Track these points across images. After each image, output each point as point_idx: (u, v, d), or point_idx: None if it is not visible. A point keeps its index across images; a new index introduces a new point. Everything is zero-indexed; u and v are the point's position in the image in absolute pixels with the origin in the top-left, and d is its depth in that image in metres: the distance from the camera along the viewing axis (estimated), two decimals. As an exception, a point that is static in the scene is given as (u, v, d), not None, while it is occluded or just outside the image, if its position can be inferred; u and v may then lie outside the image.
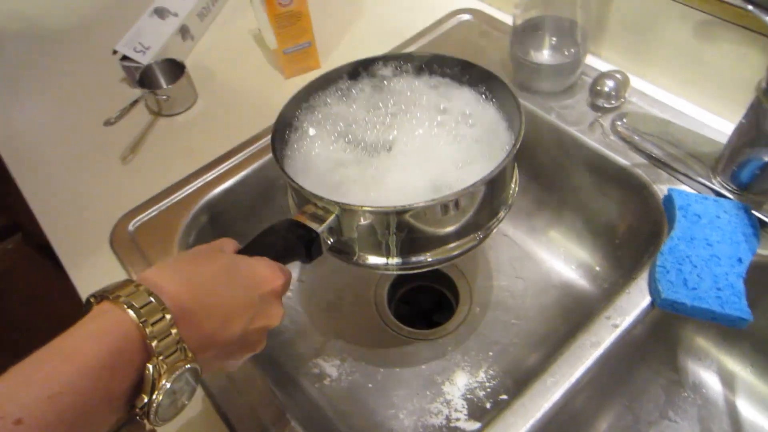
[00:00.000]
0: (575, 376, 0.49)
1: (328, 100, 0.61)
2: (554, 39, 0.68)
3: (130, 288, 0.35)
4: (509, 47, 0.70)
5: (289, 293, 0.75)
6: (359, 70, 0.62)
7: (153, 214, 0.67)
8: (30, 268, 1.06)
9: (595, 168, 0.66)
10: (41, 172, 0.75)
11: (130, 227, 0.66)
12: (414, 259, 0.52)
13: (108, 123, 0.71)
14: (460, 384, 0.66)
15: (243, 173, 0.69)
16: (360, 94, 0.61)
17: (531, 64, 0.68)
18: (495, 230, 0.55)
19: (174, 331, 0.35)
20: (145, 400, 0.35)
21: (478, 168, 0.52)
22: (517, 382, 0.64)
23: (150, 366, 0.34)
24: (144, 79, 0.79)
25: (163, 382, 0.34)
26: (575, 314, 0.69)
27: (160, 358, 0.34)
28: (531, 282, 0.73)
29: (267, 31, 0.81)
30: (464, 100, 0.59)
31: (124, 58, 0.81)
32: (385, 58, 0.62)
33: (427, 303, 0.78)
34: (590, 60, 0.73)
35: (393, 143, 0.56)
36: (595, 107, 0.67)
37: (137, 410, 0.35)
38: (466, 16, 0.82)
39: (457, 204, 0.49)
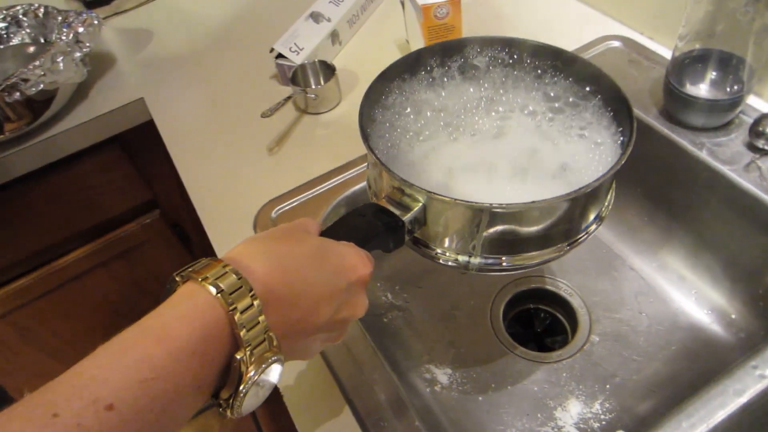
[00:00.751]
0: (714, 422, 0.47)
1: (421, 81, 0.58)
2: (715, 74, 0.65)
3: (217, 269, 0.33)
4: (663, 77, 0.69)
5: (406, 298, 0.77)
6: (455, 52, 0.59)
7: (294, 204, 0.71)
8: (162, 244, 1.14)
9: (745, 211, 0.63)
10: (196, 155, 0.82)
11: (273, 214, 0.70)
12: (495, 261, 0.49)
13: (264, 115, 0.76)
14: (574, 412, 0.65)
15: (382, 175, 0.72)
16: (452, 81, 0.59)
17: (686, 96, 0.66)
18: (582, 244, 0.51)
19: (262, 318, 0.33)
20: (231, 392, 0.33)
21: (581, 172, 0.50)
22: (636, 420, 0.62)
23: (238, 357, 0.32)
24: (295, 77, 0.84)
25: (251, 374, 0.33)
26: (704, 360, 0.66)
27: (248, 348, 0.33)
28: (656, 320, 0.71)
29: (415, 40, 0.84)
30: (570, 97, 0.56)
31: (279, 56, 0.86)
32: (482, 42, 0.59)
33: (540, 325, 0.77)
34: (750, 99, 0.70)
35: (488, 132, 0.54)
36: (753, 148, 0.64)
37: (221, 401, 0.34)
38: (615, 43, 0.81)
39: (555, 209, 0.46)
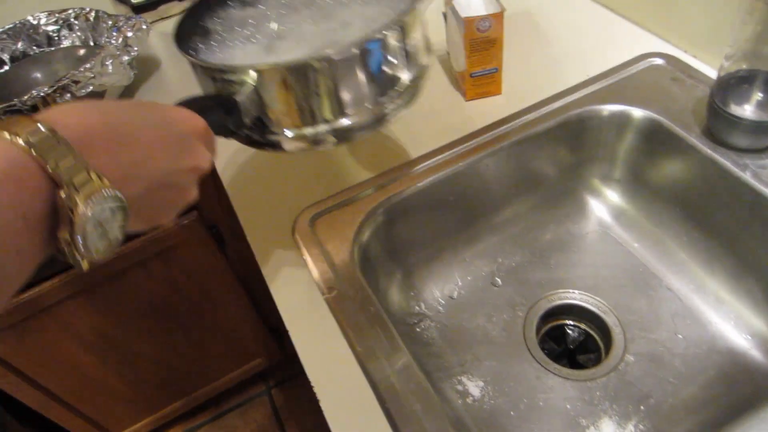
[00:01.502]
0: (755, 450, 0.46)
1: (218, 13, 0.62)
2: (761, 95, 0.64)
3: (13, 120, 0.32)
4: (707, 96, 0.68)
5: (440, 308, 0.77)
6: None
7: (333, 209, 0.72)
8: (198, 245, 1.16)
9: (789, 235, 0.63)
10: (236, 158, 0.83)
11: (310, 219, 0.71)
12: (339, 125, 0.53)
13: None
14: (606, 432, 0.64)
15: (419, 184, 0.73)
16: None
17: (731, 116, 0.65)
18: (390, 113, 0.56)
19: (79, 158, 0.33)
20: (67, 231, 0.32)
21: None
22: (671, 443, 0.62)
23: (62, 194, 0.32)
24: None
25: (81, 209, 0.32)
26: (743, 385, 0.65)
27: (73, 186, 0.32)
28: (693, 342, 0.70)
29: (456, 52, 0.84)
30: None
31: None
32: None
33: (573, 342, 0.77)
34: (796, 121, 0.69)
35: (296, 27, 0.58)
36: (799, 171, 0.63)
37: (63, 245, 0.33)
38: (658, 60, 0.81)
39: (371, 50, 0.50)
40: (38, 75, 1.04)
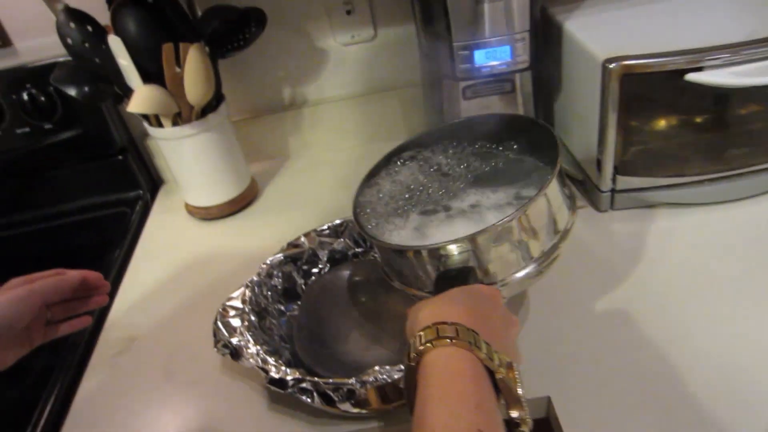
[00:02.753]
0: None
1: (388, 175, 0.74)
2: None
3: (451, 330, 0.45)
4: None
5: None
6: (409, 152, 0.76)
7: None
8: None
9: None
10: None
11: None
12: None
13: None
14: None
15: None
16: (408, 168, 0.74)
17: None
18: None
19: (489, 345, 0.45)
20: (518, 407, 0.45)
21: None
22: None
23: (499, 376, 0.44)
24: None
25: (518, 386, 0.45)
26: None
27: (502, 368, 0.45)
28: None
29: None
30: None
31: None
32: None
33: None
34: None
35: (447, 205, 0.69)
36: None
37: (522, 410, 0.45)
38: None
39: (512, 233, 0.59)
40: (347, 273, 0.83)
